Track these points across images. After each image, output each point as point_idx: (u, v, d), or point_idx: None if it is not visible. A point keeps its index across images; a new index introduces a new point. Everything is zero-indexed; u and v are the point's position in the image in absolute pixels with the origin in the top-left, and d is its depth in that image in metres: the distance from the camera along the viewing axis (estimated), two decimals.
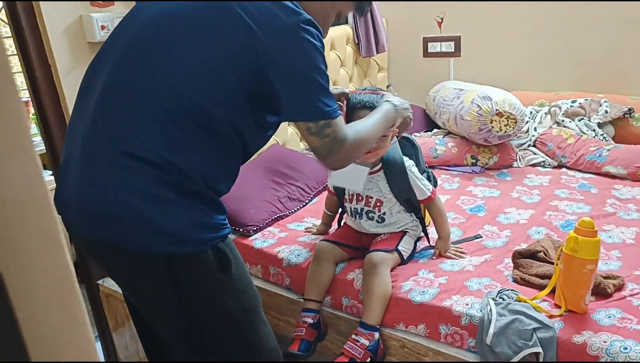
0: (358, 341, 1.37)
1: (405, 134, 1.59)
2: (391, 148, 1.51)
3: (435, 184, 1.63)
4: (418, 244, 1.64)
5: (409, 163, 1.52)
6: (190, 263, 0.97)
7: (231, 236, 1.79)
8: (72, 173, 0.97)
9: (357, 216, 1.59)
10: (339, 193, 1.63)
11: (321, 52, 0.99)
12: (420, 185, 1.51)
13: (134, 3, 1.76)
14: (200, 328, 1.04)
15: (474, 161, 2.35)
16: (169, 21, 0.96)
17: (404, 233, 1.57)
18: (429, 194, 1.52)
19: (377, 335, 1.40)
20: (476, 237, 1.70)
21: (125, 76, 0.95)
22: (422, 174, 1.55)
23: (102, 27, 1.62)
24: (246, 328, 1.09)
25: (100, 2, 1.65)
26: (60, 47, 1.60)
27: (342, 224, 1.71)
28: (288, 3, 0.96)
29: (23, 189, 0.20)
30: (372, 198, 1.54)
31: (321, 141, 1.02)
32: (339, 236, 1.62)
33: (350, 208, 1.60)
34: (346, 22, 2.90)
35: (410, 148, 1.60)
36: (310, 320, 1.48)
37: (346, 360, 1.34)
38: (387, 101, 1.32)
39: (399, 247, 1.53)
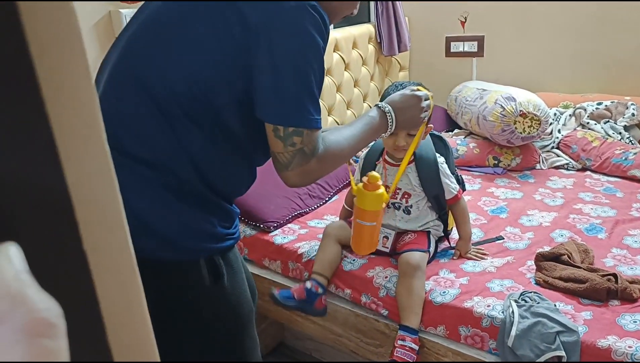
0: (407, 346, 1.36)
1: (438, 133, 1.60)
2: (424, 143, 1.51)
3: (463, 189, 1.62)
4: (439, 244, 1.63)
5: (440, 159, 1.52)
6: (180, 271, 0.92)
7: (251, 232, 1.82)
8: None
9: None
10: None
11: (319, 47, 0.85)
12: (448, 182, 1.51)
13: None
14: (181, 341, 0.98)
15: (496, 162, 2.33)
16: (168, 17, 0.89)
17: (428, 233, 1.56)
18: (455, 193, 1.52)
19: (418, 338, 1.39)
20: (498, 239, 1.68)
21: (124, 70, 0.90)
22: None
23: None
24: (232, 343, 1.04)
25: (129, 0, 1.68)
26: (89, 42, 1.63)
27: None
28: None
29: (92, 176, 0.21)
30: (400, 189, 1.54)
31: (285, 148, 0.88)
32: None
33: None
34: (369, 21, 2.90)
35: (442, 148, 1.59)
36: (308, 285, 1.46)
37: None
38: (377, 105, 1.13)
39: (429, 248, 1.52)
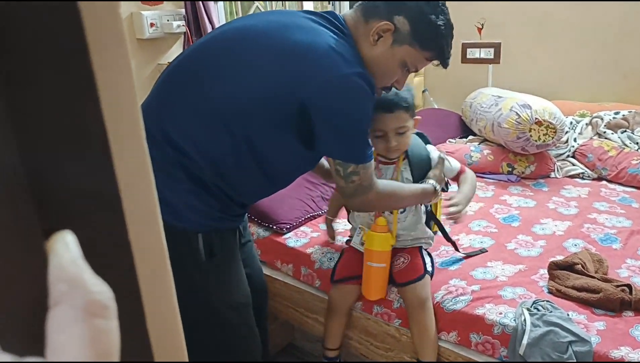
0: None
1: (417, 131, 1.52)
2: (414, 140, 1.46)
3: (446, 189, 1.53)
4: (447, 250, 1.62)
5: (435, 153, 1.47)
6: (183, 238, 1.06)
7: (264, 234, 1.83)
8: None
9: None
10: None
11: (366, 103, 1.05)
12: (448, 164, 1.47)
13: (182, 3, 1.82)
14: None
15: (510, 169, 2.32)
16: (241, 40, 1.06)
17: (420, 249, 1.52)
18: (459, 167, 1.50)
19: None
20: (482, 251, 1.63)
21: (189, 71, 1.06)
22: None
23: (152, 25, 1.68)
24: (222, 323, 1.15)
25: (150, 1, 1.71)
26: None
27: (341, 253, 1.63)
28: (344, 56, 1.01)
29: (136, 172, 0.22)
30: None
31: (346, 184, 1.11)
32: (348, 269, 1.54)
33: None
34: None
35: (427, 141, 1.55)
36: None
37: None
38: (431, 182, 1.36)
39: (427, 268, 1.47)
